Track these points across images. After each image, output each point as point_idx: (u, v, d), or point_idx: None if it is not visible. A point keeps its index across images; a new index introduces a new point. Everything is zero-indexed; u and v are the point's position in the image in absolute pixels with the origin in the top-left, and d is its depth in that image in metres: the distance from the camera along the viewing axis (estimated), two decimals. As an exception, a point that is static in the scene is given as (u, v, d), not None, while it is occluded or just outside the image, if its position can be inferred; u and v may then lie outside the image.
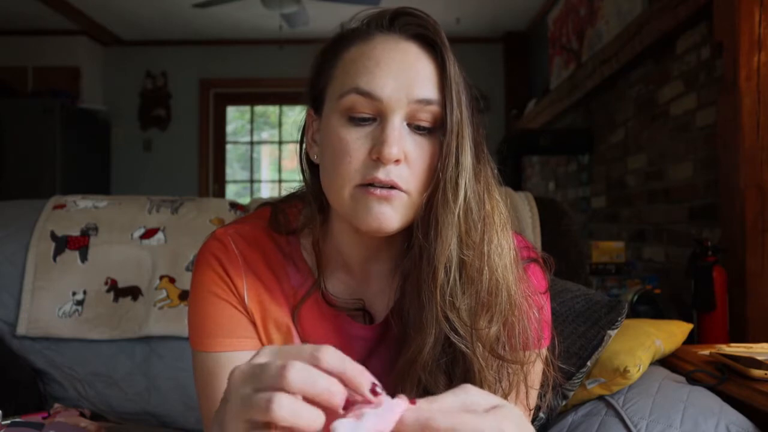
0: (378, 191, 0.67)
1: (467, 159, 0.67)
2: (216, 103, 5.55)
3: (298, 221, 0.79)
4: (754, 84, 1.67)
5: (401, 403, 0.45)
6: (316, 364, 0.44)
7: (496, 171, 0.72)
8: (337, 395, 0.43)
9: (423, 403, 0.45)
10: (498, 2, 4.45)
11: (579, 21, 3.50)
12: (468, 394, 0.47)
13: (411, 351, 0.68)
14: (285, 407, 0.41)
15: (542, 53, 4.48)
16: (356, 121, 0.68)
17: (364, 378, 0.44)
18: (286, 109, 5.66)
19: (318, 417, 0.42)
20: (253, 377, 0.44)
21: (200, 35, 5.18)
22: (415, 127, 0.68)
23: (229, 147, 5.68)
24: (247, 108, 5.74)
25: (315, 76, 0.75)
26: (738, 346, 1.34)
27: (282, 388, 0.42)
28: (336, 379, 0.44)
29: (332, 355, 0.45)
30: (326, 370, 0.44)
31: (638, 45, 2.48)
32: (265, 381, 0.43)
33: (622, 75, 2.81)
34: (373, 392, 0.44)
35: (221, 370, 0.73)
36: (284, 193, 0.84)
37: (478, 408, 0.46)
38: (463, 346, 0.67)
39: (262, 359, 0.46)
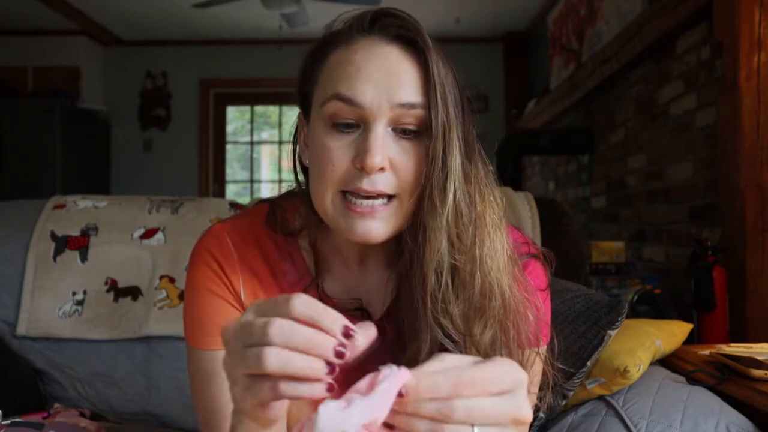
0: (359, 207, 0.66)
1: (455, 161, 0.65)
2: (216, 103, 5.55)
3: (296, 221, 0.79)
4: (754, 84, 1.67)
5: (395, 386, 0.43)
6: (288, 316, 0.46)
7: (491, 169, 0.71)
8: (321, 344, 0.45)
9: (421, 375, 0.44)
10: (498, 2, 4.44)
11: (579, 21, 3.50)
12: (446, 360, 0.46)
13: (406, 359, 0.67)
14: (274, 359, 0.44)
15: (542, 53, 4.48)
16: (339, 128, 0.67)
17: (335, 323, 0.46)
18: (286, 109, 5.66)
19: (311, 363, 0.44)
20: (241, 335, 0.47)
21: (200, 35, 5.18)
22: (400, 131, 0.67)
23: (229, 147, 5.67)
24: (247, 108, 5.74)
25: (302, 80, 0.74)
26: (738, 346, 1.34)
27: (268, 344, 0.45)
28: (315, 330, 0.45)
29: (301, 305, 0.46)
30: (298, 320, 0.46)
31: (638, 45, 2.48)
32: (251, 338, 0.46)
33: (622, 75, 2.81)
34: (347, 335, 0.45)
35: (218, 369, 0.72)
36: (284, 191, 0.83)
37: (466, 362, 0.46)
38: (458, 354, 0.66)
39: (248, 316, 0.48)
